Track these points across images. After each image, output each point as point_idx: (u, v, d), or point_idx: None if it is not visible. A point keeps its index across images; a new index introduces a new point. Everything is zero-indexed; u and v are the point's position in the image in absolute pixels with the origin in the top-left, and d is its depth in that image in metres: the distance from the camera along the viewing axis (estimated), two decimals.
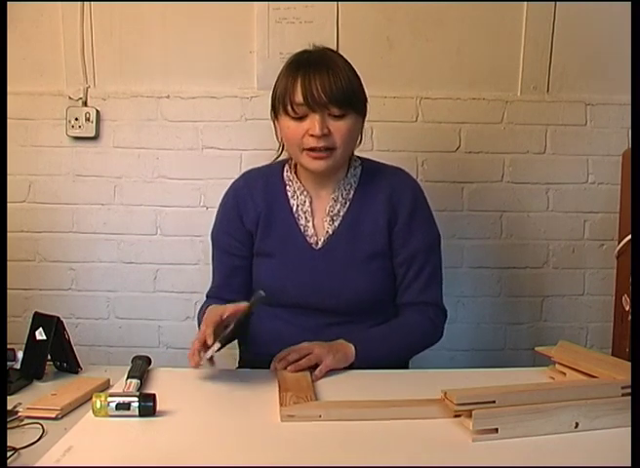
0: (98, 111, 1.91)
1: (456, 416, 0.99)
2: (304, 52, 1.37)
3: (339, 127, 1.32)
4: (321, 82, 1.28)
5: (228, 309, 1.24)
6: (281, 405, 1.02)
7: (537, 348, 1.25)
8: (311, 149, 1.32)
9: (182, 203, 1.95)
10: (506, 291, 1.98)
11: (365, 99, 1.37)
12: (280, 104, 1.33)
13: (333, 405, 1.05)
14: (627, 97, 1.47)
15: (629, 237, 1.58)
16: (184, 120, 1.93)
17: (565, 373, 1.17)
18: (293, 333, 1.42)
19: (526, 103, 1.93)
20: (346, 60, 1.38)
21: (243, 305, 1.22)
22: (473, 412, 0.91)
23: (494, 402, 0.94)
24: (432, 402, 1.03)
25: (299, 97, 1.29)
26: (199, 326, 1.40)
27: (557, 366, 1.20)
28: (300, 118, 1.31)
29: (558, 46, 1.90)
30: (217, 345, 1.15)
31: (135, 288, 1.98)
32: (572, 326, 1.99)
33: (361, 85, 1.36)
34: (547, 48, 1.90)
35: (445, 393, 0.97)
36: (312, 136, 1.30)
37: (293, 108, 1.30)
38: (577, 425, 0.95)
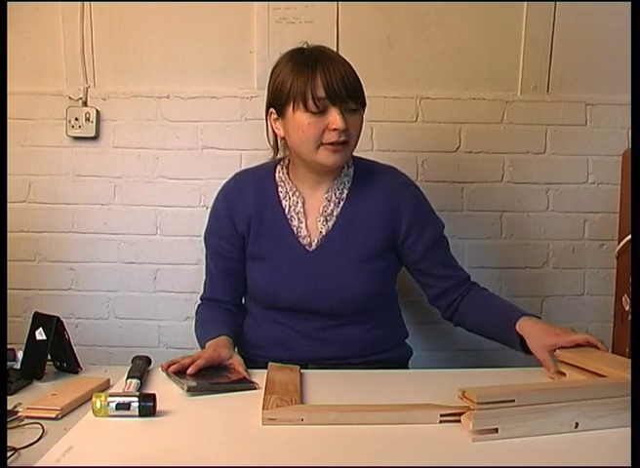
0: (98, 111, 1.91)
1: (441, 422, 0.99)
2: (302, 49, 1.36)
3: (354, 122, 1.33)
4: (340, 76, 1.29)
5: (235, 362, 1.26)
6: (263, 408, 1.02)
7: None
8: (331, 143, 1.32)
9: (182, 203, 1.94)
10: (506, 291, 1.98)
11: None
12: (299, 100, 1.30)
13: (316, 408, 1.04)
14: (627, 98, 1.46)
15: (629, 237, 1.58)
16: (184, 120, 1.93)
17: (565, 374, 1.17)
18: (289, 337, 1.43)
19: (526, 103, 1.93)
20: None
21: (243, 372, 1.23)
22: (474, 412, 0.91)
23: (513, 401, 0.93)
24: (422, 406, 1.02)
25: (320, 92, 1.29)
26: (199, 340, 1.42)
27: (559, 365, 1.19)
28: (320, 112, 1.30)
29: (558, 46, 1.90)
30: (187, 385, 1.14)
31: (135, 288, 1.97)
32: (572, 326, 1.99)
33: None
34: (547, 48, 1.90)
35: (463, 392, 0.96)
36: (335, 129, 1.30)
37: (315, 102, 1.29)
38: (577, 425, 0.94)
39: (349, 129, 1.32)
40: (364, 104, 1.36)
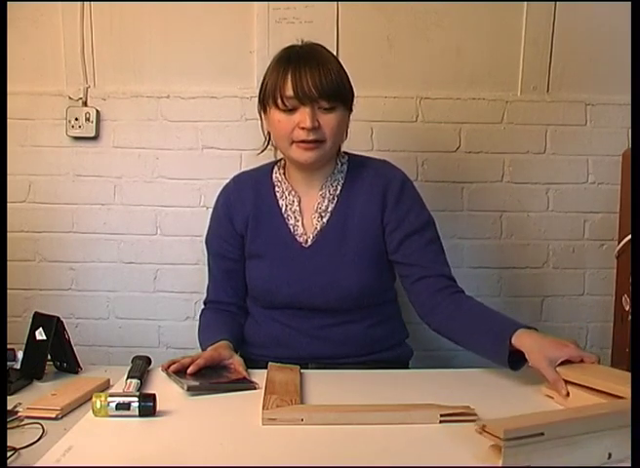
0: (98, 111, 1.91)
1: (441, 422, 0.98)
2: (293, 46, 1.38)
3: (328, 120, 1.33)
4: (311, 76, 1.30)
5: (235, 362, 1.26)
6: (263, 408, 1.02)
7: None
8: (301, 141, 1.33)
9: (182, 203, 1.94)
10: (506, 291, 1.98)
11: (352, 94, 1.39)
12: (270, 97, 1.34)
13: (316, 408, 1.04)
14: (627, 98, 1.46)
15: (629, 237, 1.58)
16: (184, 120, 1.93)
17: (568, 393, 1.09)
18: (289, 336, 1.44)
19: (526, 103, 1.93)
20: (334, 55, 1.40)
21: (243, 372, 1.23)
22: (502, 450, 0.82)
23: (542, 434, 0.83)
24: (422, 406, 1.02)
25: (289, 91, 1.31)
26: (201, 345, 1.41)
27: None
28: (290, 111, 1.32)
29: (558, 46, 1.90)
30: (187, 384, 1.14)
31: (135, 288, 1.97)
32: (572, 326, 1.99)
33: (349, 80, 1.37)
34: (547, 48, 1.90)
35: (483, 426, 0.84)
36: (303, 128, 1.31)
37: (283, 101, 1.32)
38: (610, 456, 0.87)
39: (322, 128, 1.32)
40: (346, 103, 1.35)
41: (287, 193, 1.45)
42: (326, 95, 1.30)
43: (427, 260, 1.39)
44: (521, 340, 1.17)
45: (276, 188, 1.46)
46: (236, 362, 1.26)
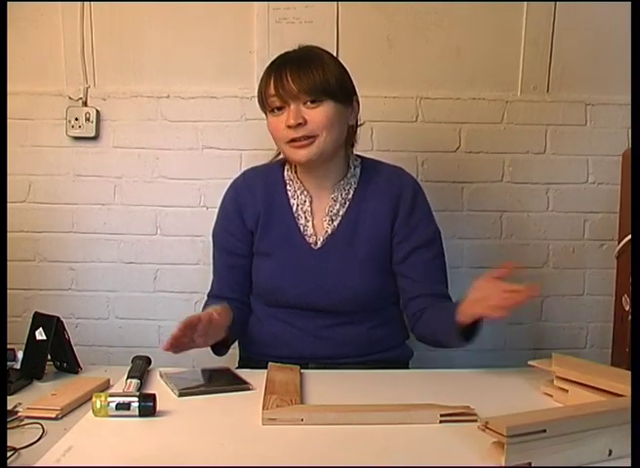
0: (98, 111, 1.91)
1: (441, 422, 0.98)
2: (286, 53, 1.39)
3: (314, 114, 1.33)
4: (291, 74, 1.31)
5: (221, 315, 1.26)
6: (263, 408, 1.02)
7: (530, 362, 1.17)
8: (292, 140, 1.34)
9: (182, 203, 1.94)
10: None
11: (348, 88, 1.38)
12: (260, 102, 1.38)
13: (316, 408, 1.04)
14: (627, 98, 1.46)
15: (629, 237, 1.58)
16: (184, 120, 1.93)
17: (567, 390, 1.10)
18: (291, 335, 1.43)
19: (526, 103, 1.93)
20: (329, 53, 1.40)
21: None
22: (505, 447, 0.82)
23: (544, 431, 0.83)
24: (422, 406, 1.02)
25: (271, 90, 1.33)
26: None
27: (556, 381, 1.12)
28: (279, 111, 1.34)
29: (558, 46, 1.90)
30: (178, 390, 1.13)
31: (135, 288, 1.97)
32: (572, 326, 1.99)
33: (343, 73, 1.37)
34: (547, 48, 1.90)
35: (486, 423, 0.84)
36: (289, 126, 1.32)
37: (268, 102, 1.34)
38: (610, 452, 0.88)
39: (309, 123, 1.32)
40: (336, 96, 1.33)
41: (299, 193, 1.44)
42: (307, 89, 1.31)
43: (430, 279, 1.42)
44: (460, 309, 1.24)
45: (288, 187, 1.46)
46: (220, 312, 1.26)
